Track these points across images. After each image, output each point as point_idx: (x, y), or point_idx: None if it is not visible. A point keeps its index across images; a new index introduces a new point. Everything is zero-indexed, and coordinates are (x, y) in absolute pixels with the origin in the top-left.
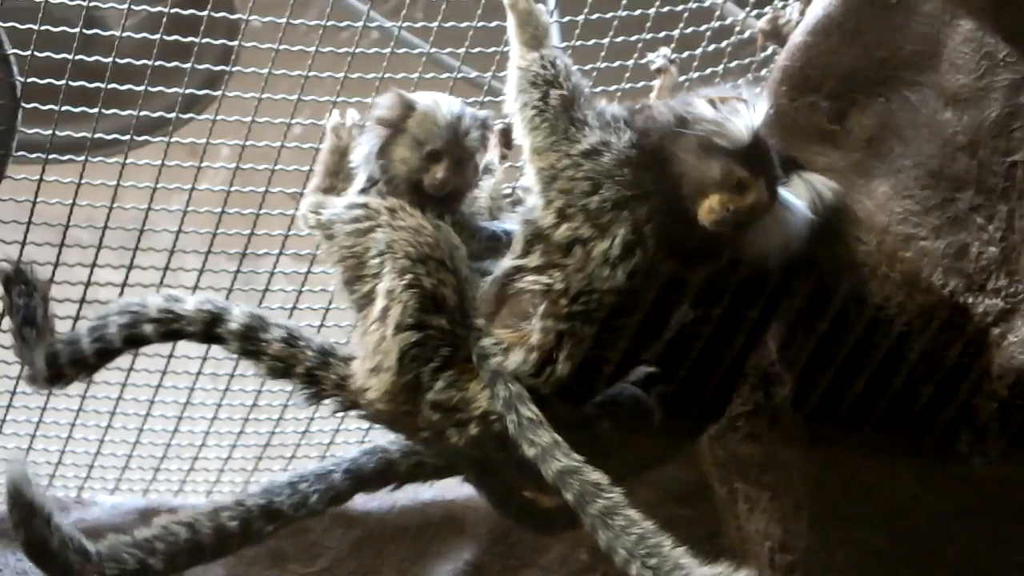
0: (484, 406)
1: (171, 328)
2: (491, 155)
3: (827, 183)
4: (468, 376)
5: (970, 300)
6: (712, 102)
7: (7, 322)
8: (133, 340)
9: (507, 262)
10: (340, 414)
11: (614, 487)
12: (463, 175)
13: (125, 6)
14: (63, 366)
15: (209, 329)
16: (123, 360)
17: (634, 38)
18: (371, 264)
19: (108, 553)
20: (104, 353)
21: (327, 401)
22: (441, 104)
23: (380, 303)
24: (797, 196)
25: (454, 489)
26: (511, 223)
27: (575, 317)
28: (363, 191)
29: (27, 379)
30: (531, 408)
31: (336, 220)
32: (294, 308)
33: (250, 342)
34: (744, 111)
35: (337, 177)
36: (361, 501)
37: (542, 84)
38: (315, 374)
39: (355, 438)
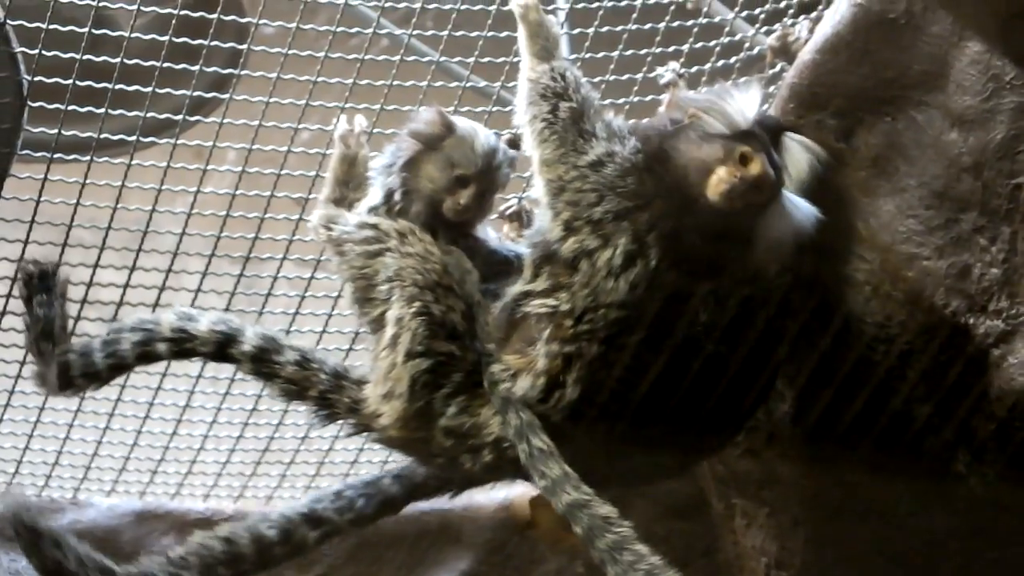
0: (497, 432)
1: (184, 347)
2: None
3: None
4: (480, 402)
5: (971, 321)
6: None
7: (6, 321)
8: (145, 357)
9: (516, 287)
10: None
11: (624, 521)
12: (482, 207)
13: (134, 7)
14: (74, 377)
15: (222, 350)
16: None
17: (643, 52)
18: (380, 289)
19: (139, 572)
20: (116, 368)
21: (339, 426)
22: (479, 133)
23: (390, 330)
24: (794, 157)
25: (452, 500)
26: (522, 247)
27: (581, 337)
28: (375, 208)
29: (36, 381)
30: (542, 438)
31: (347, 239)
32: (296, 313)
33: (263, 364)
34: (737, 94)
35: (347, 187)
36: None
37: (552, 96)
38: (328, 397)
39: (355, 444)
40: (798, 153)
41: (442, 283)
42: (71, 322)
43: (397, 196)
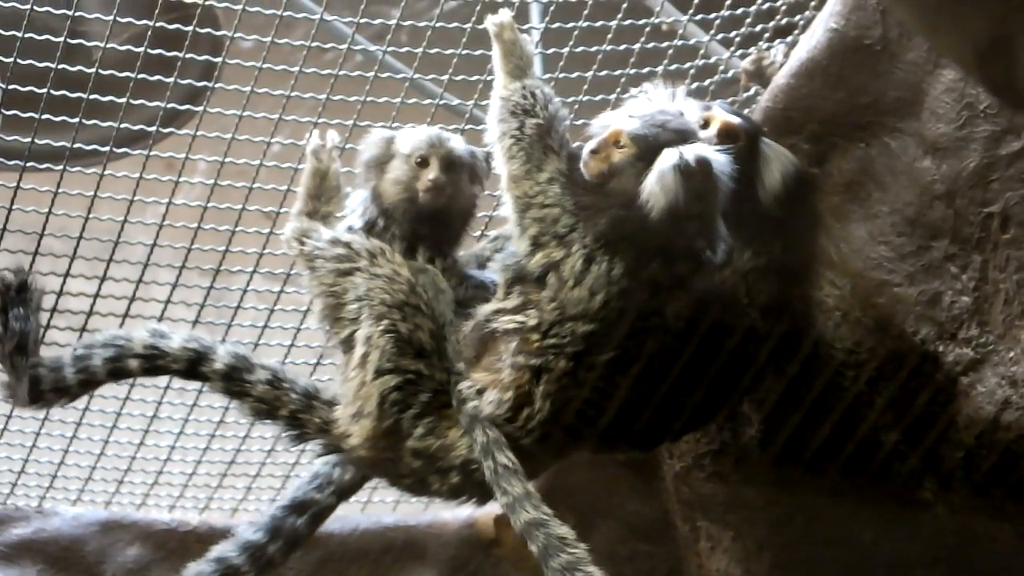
0: (465, 455)
1: (155, 364)
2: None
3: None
4: (448, 424)
5: (940, 349)
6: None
7: None
8: (117, 373)
9: (487, 307)
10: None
11: (579, 543)
12: (457, 184)
13: (110, 18)
14: (44, 391)
15: (193, 368)
16: None
17: (617, 72)
18: (350, 308)
19: None
20: (86, 383)
21: (310, 445)
22: (420, 126)
23: (359, 349)
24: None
25: (416, 515)
26: (495, 271)
27: (548, 351)
28: (353, 228)
29: (5, 394)
30: (507, 455)
31: (318, 255)
32: (265, 327)
33: (234, 383)
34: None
35: (319, 200)
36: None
37: (520, 114)
38: (299, 417)
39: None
40: (773, 160)
41: (409, 303)
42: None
43: (380, 223)
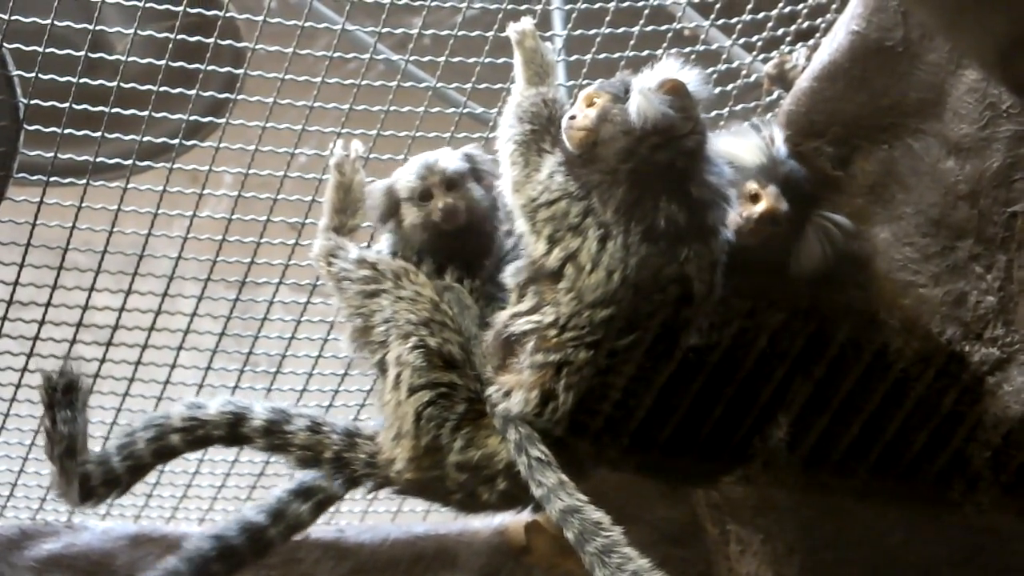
0: (507, 459)
1: (197, 435)
2: None
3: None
4: (486, 432)
5: (967, 349)
6: None
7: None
8: (162, 452)
9: (503, 313)
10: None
11: (614, 526)
12: (468, 197)
13: (131, 31)
14: (95, 487)
15: (234, 430)
16: (117, 384)
17: None
18: (378, 331)
19: None
20: (135, 469)
21: (361, 485)
22: (409, 161)
23: (392, 371)
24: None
25: (447, 523)
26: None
27: (567, 345)
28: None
29: (57, 493)
30: (540, 448)
31: (345, 276)
32: (292, 338)
33: (276, 436)
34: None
35: (345, 214)
36: (354, 533)
37: (527, 120)
38: (343, 456)
39: None
40: (814, 243)
41: (435, 319)
42: (66, 346)
43: (414, 258)
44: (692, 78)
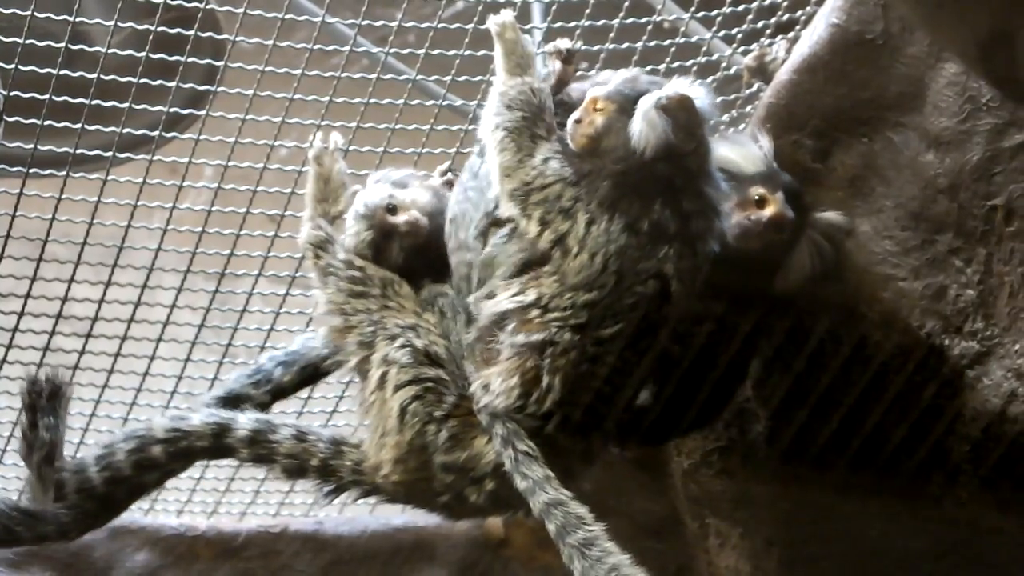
0: (493, 459)
1: (180, 446)
2: None
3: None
4: (473, 432)
5: (946, 342)
6: None
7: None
8: (142, 465)
9: (488, 302)
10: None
11: (597, 523)
12: (420, 204)
13: (111, 22)
14: (68, 494)
15: (218, 441)
16: (96, 376)
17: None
18: (364, 331)
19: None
20: (113, 481)
21: (347, 494)
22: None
23: (376, 372)
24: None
25: (426, 516)
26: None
27: (550, 324)
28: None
29: (30, 497)
30: (526, 443)
31: (332, 272)
32: (271, 330)
33: (260, 446)
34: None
35: (327, 203)
36: (332, 525)
37: (515, 107)
38: (330, 464)
39: None
40: (804, 258)
41: (420, 324)
42: (45, 337)
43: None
44: (700, 95)
